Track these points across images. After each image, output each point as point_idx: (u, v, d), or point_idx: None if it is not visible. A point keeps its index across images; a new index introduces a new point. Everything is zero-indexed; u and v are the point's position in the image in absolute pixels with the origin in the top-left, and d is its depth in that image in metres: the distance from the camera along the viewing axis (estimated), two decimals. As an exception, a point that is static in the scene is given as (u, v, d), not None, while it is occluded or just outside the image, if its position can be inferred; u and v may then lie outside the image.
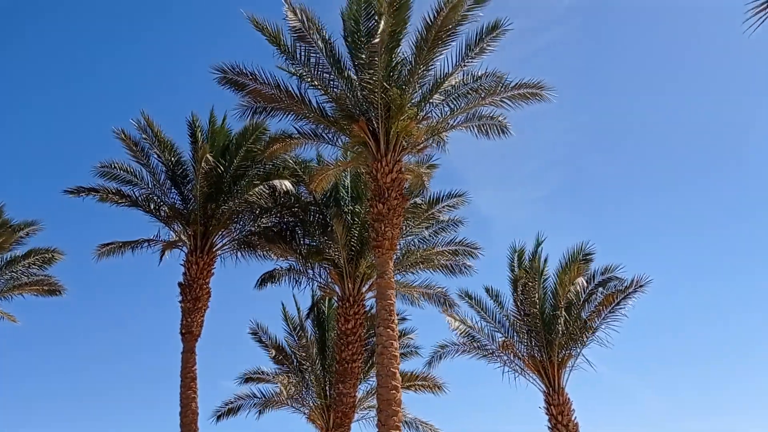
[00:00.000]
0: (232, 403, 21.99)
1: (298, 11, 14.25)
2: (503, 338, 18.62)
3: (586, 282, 18.14)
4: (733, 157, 46.27)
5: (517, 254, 18.91)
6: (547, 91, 15.08)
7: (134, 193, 18.14)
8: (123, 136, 17.89)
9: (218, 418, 21.72)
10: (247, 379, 22.31)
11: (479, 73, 15.15)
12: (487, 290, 19.15)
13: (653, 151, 48.23)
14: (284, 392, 21.33)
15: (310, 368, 21.53)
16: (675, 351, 44.52)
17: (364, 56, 14.25)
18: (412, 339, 21.38)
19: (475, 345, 18.77)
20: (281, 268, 19.55)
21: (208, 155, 16.86)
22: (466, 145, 16.65)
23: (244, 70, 14.77)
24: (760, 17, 7.17)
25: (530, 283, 18.22)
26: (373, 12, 14.45)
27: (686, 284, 46.56)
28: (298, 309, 21.84)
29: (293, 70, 14.56)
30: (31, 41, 46.52)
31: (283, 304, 22.11)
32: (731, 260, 45.78)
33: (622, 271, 18.09)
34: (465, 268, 19.23)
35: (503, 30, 14.60)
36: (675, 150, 47.28)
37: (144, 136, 18.01)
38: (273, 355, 21.92)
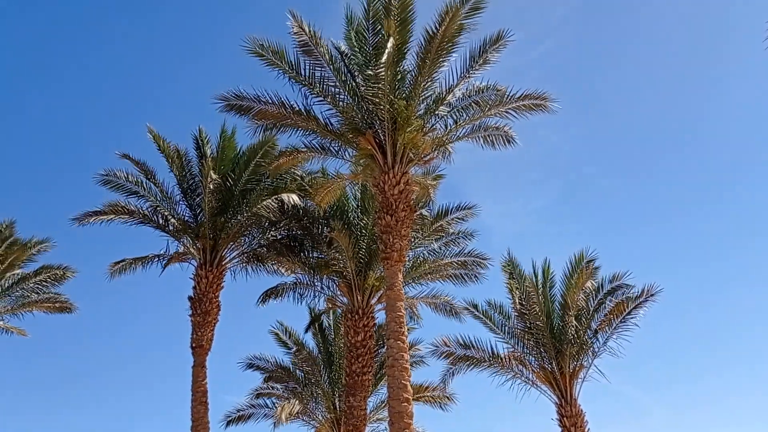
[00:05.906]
0: (243, 411, 22.04)
1: (304, 26, 14.34)
2: (512, 349, 18.45)
3: (595, 291, 18.02)
4: (730, 164, 46.10)
5: (512, 264, 18.69)
6: (551, 102, 15.21)
7: (142, 208, 18.29)
8: (129, 158, 18.07)
9: (228, 423, 21.76)
10: (259, 395, 22.37)
11: (483, 85, 15.31)
12: (489, 303, 18.96)
13: (650, 160, 48.16)
14: (290, 412, 21.24)
15: (318, 382, 21.50)
16: (686, 367, 44.01)
17: (370, 70, 14.37)
18: (420, 350, 21.32)
19: (485, 358, 18.58)
20: (285, 283, 19.59)
21: (211, 172, 16.98)
22: (466, 155, 16.80)
23: (247, 95, 14.97)
24: None
25: (537, 292, 18.05)
26: (378, 27, 14.58)
27: (695, 297, 46.12)
28: (311, 324, 21.82)
29: (303, 82, 14.65)
30: (39, 57, 47.26)
31: (280, 323, 22.22)
32: (741, 271, 45.40)
33: (630, 278, 17.99)
34: (475, 277, 19.20)
35: (506, 41, 14.76)
36: (673, 158, 47.22)
37: (139, 170, 18.09)
38: (275, 375, 22.05)
